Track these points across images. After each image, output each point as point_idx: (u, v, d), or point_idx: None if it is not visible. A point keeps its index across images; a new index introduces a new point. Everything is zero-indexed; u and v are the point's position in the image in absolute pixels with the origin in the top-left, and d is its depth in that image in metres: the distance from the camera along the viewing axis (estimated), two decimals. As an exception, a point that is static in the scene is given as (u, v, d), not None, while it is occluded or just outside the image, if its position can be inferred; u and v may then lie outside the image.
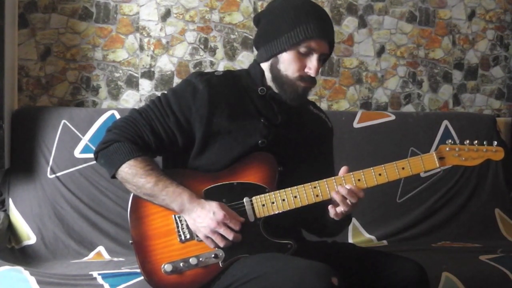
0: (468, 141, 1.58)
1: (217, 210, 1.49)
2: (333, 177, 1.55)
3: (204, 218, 1.49)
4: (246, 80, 1.67)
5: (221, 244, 1.50)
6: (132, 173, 1.53)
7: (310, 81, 1.60)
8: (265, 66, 1.65)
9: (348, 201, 1.51)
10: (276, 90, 1.62)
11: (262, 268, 1.41)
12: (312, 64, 1.56)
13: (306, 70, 1.57)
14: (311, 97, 2.85)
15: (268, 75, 1.64)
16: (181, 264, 1.52)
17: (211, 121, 1.58)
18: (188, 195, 1.51)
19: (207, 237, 1.50)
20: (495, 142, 1.59)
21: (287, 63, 1.57)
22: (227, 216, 1.49)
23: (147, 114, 1.59)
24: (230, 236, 1.49)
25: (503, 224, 2.68)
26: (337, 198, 1.51)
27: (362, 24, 2.94)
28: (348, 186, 1.51)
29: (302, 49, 1.55)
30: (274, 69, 1.61)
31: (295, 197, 1.54)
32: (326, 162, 1.76)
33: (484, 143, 1.58)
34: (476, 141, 1.57)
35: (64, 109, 2.48)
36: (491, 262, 2.13)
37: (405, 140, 2.67)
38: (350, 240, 2.49)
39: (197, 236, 1.53)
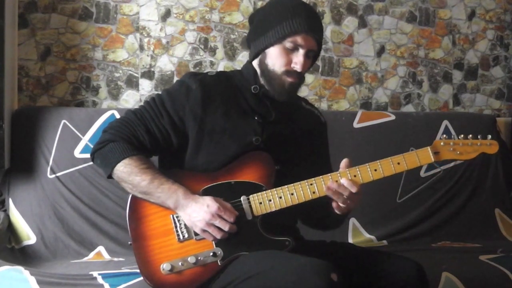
0: (462, 136, 1.59)
1: (211, 203, 1.50)
2: (329, 174, 1.56)
3: (199, 211, 1.50)
4: (239, 80, 1.69)
5: (218, 236, 1.51)
6: (127, 172, 1.54)
7: (297, 77, 1.61)
8: (255, 63, 1.67)
9: (341, 195, 1.51)
10: (265, 86, 1.64)
11: (262, 265, 1.42)
12: (298, 59, 1.58)
13: (292, 65, 1.59)
14: (311, 97, 2.86)
15: (259, 73, 1.66)
16: (179, 264, 1.53)
17: (204, 119, 1.60)
18: (183, 191, 1.53)
19: (204, 230, 1.51)
20: (489, 136, 1.61)
21: (274, 57, 1.60)
22: (221, 208, 1.50)
23: (142, 114, 1.62)
24: (225, 227, 1.50)
25: (503, 224, 2.68)
26: (329, 193, 1.52)
27: (362, 24, 2.94)
28: (341, 181, 1.52)
29: (288, 44, 1.58)
30: (262, 64, 1.63)
31: (292, 194, 1.55)
32: (322, 156, 1.77)
33: (478, 137, 1.60)
34: (470, 135, 1.59)
35: (64, 109, 2.48)
36: (491, 262, 2.13)
37: (405, 140, 2.67)
38: (350, 240, 2.50)
39: (195, 235, 1.54)
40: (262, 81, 1.65)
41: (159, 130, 1.60)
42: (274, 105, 1.65)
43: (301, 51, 1.58)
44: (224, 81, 1.67)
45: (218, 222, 1.50)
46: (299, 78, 1.62)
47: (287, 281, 1.34)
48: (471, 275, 2.02)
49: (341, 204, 1.53)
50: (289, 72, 1.59)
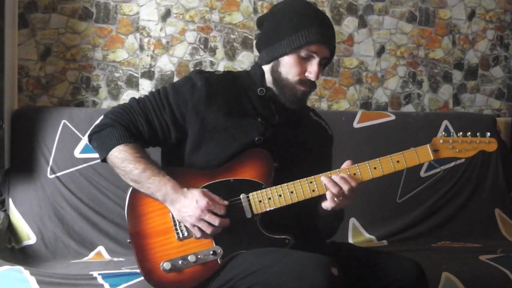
0: (461, 133, 1.59)
1: (199, 198, 1.50)
2: (328, 172, 1.56)
3: (188, 207, 1.50)
4: (245, 81, 1.69)
5: (208, 231, 1.51)
6: (121, 158, 1.55)
7: (310, 85, 1.61)
8: (266, 68, 1.67)
9: (340, 189, 1.51)
10: (276, 93, 1.64)
11: (262, 261, 1.42)
12: (312, 68, 1.58)
13: (306, 74, 1.59)
14: (311, 97, 2.85)
15: (268, 77, 1.66)
16: (179, 262, 1.53)
17: (207, 117, 1.60)
18: (172, 184, 1.52)
19: (194, 225, 1.51)
20: (488, 133, 1.60)
21: (288, 66, 1.59)
22: (210, 203, 1.50)
23: (144, 104, 1.63)
24: (216, 222, 1.50)
25: (503, 224, 2.68)
26: (327, 182, 1.52)
27: (362, 24, 2.94)
28: (341, 174, 1.53)
29: (303, 53, 1.57)
30: (275, 72, 1.62)
31: (292, 192, 1.55)
32: (324, 168, 1.73)
33: (478, 134, 1.59)
34: (469, 133, 1.58)
35: (64, 109, 2.48)
36: (491, 262, 2.13)
37: (405, 140, 2.66)
38: (350, 240, 2.49)
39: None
40: (269, 84, 1.65)
41: (159, 122, 1.61)
42: (279, 109, 1.65)
43: (315, 60, 1.58)
44: (230, 80, 1.67)
45: (208, 217, 1.49)
46: (312, 86, 1.62)
47: (287, 276, 1.34)
48: (471, 275, 2.02)
49: (336, 199, 1.52)
50: (303, 81, 1.59)
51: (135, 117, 1.60)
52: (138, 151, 1.57)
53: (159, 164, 1.61)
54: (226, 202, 1.53)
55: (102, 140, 1.59)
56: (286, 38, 1.57)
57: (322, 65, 1.63)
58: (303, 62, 1.58)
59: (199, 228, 1.51)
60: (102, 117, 1.65)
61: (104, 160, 1.61)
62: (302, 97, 1.63)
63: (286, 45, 1.57)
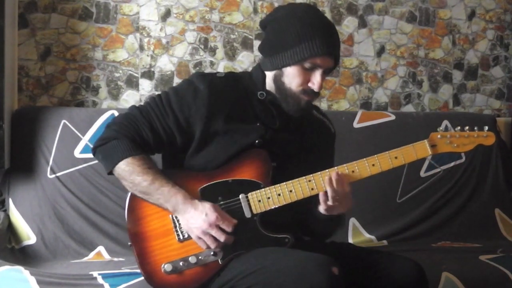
0: (459, 128, 1.59)
1: (209, 212, 1.50)
2: (327, 170, 1.55)
3: (197, 219, 1.50)
4: (247, 83, 1.67)
5: (212, 246, 1.51)
6: (129, 171, 1.54)
7: (313, 95, 1.60)
8: (268, 74, 1.65)
9: (335, 192, 1.51)
10: (277, 97, 1.62)
11: (262, 261, 1.43)
12: (316, 79, 1.56)
13: (309, 84, 1.57)
14: (311, 97, 2.85)
15: (270, 83, 1.64)
16: (180, 264, 1.54)
17: (210, 121, 1.59)
18: (182, 195, 1.52)
19: (199, 238, 1.51)
20: (486, 127, 1.60)
21: (291, 77, 1.57)
22: (219, 218, 1.50)
23: (147, 112, 1.61)
24: (221, 238, 1.50)
25: (503, 224, 2.68)
26: (329, 187, 1.52)
27: (362, 24, 2.94)
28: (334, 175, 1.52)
29: (307, 65, 1.55)
30: (278, 81, 1.61)
31: (291, 191, 1.55)
32: (326, 165, 1.71)
33: (475, 129, 1.59)
34: (467, 127, 1.58)
35: (64, 109, 2.48)
36: (491, 262, 2.13)
37: (405, 140, 2.60)
38: (350, 240, 2.50)
39: None
40: (273, 91, 1.63)
41: (163, 129, 1.60)
42: (280, 113, 1.64)
43: (319, 71, 1.56)
44: (232, 83, 1.65)
45: (214, 232, 1.50)
46: (315, 95, 1.61)
47: (288, 275, 1.34)
48: (471, 275, 2.02)
49: (330, 201, 1.52)
50: (306, 91, 1.58)
51: (139, 127, 1.59)
52: (145, 162, 1.56)
53: (166, 174, 1.59)
54: (235, 221, 1.53)
55: (107, 153, 1.58)
56: (290, 50, 1.54)
57: (326, 73, 1.61)
58: (306, 72, 1.56)
59: (204, 241, 1.51)
60: (104, 129, 1.63)
61: (110, 173, 1.59)
62: (306, 106, 1.61)
63: (289, 56, 1.55)
